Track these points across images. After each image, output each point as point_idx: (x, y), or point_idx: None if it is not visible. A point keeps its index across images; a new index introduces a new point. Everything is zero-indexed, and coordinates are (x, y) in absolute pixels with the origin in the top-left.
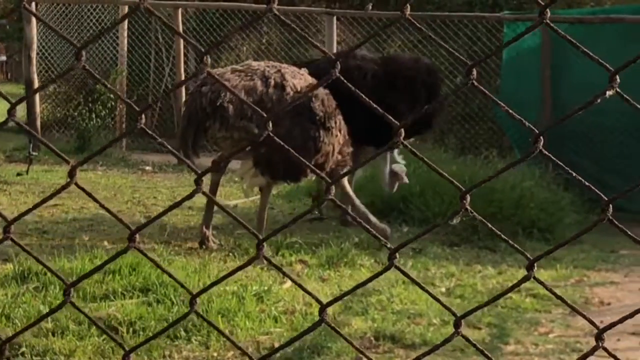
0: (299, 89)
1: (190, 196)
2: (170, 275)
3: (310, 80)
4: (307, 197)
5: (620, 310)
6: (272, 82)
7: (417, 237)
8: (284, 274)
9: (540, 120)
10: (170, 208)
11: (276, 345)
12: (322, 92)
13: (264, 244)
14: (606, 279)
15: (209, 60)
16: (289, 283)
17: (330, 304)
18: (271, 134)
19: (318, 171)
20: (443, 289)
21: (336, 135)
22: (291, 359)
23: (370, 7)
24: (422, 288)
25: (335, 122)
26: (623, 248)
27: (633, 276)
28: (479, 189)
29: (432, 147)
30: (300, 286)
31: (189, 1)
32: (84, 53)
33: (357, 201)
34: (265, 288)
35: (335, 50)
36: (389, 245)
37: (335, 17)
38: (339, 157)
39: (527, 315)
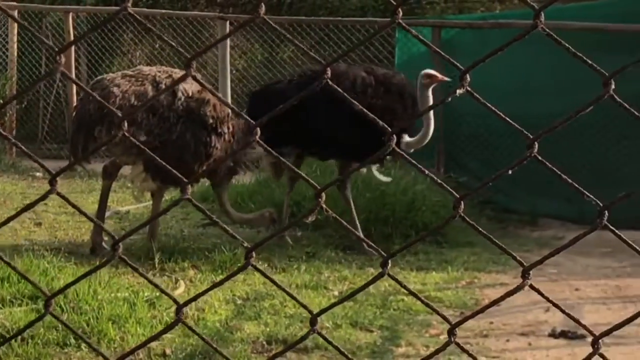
0: (190, 94)
1: (43, 197)
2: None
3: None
4: (201, 202)
5: (509, 311)
6: (163, 87)
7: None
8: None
9: (434, 123)
10: (20, 212)
11: (167, 351)
12: (213, 96)
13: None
14: (496, 281)
15: (63, 59)
16: (181, 288)
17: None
18: (126, 134)
19: (178, 174)
20: (336, 293)
21: (229, 141)
22: None
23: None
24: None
25: (228, 128)
26: (513, 250)
27: None
28: (373, 193)
29: None
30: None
31: (80, 5)
32: None
33: (231, 209)
34: (157, 294)
35: (228, 54)
36: (246, 244)
37: (228, 22)
38: (231, 163)
39: (419, 317)
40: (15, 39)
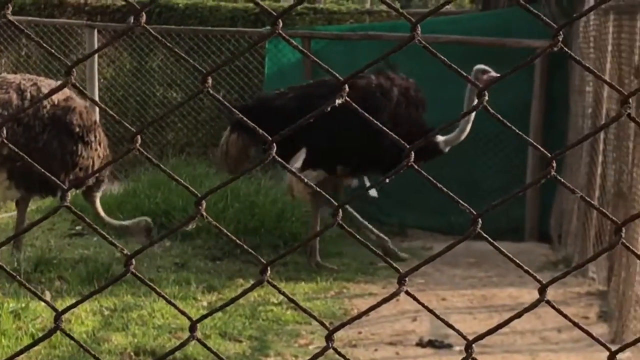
0: (56, 102)
1: None
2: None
3: (69, 93)
4: (66, 212)
5: (377, 321)
6: (28, 96)
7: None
8: (291, 300)
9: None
10: None
11: None
12: (80, 105)
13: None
14: (365, 291)
15: None
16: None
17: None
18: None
19: (55, 178)
20: (205, 303)
21: (96, 149)
22: None
23: (132, 20)
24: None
25: (95, 136)
26: (381, 260)
27: (390, 287)
28: (242, 203)
29: (197, 161)
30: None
31: None
32: None
33: (106, 217)
34: (23, 305)
35: (96, 63)
36: (126, 252)
37: (96, 30)
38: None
39: (288, 328)
40: None
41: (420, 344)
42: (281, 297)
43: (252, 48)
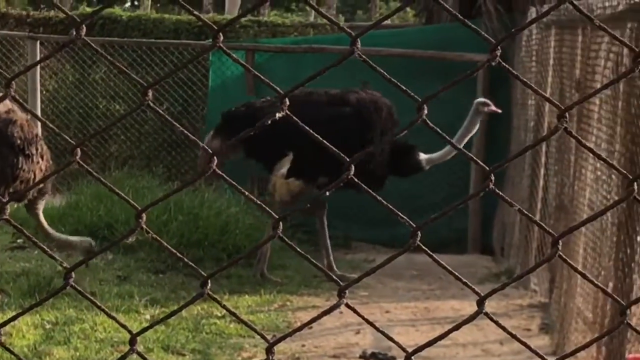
0: None
1: None
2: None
3: (10, 105)
4: (7, 225)
5: (321, 334)
6: None
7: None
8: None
9: None
10: None
11: None
12: (22, 117)
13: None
14: (308, 303)
15: None
16: None
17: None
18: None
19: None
20: (148, 316)
21: (37, 162)
22: None
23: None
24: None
25: (37, 149)
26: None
27: (334, 300)
28: (185, 216)
29: (140, 174)
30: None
31: None
32: None
33: (50, 230)
34: None
35: (38, 75)
36: (65, 265)
37: (38, 42)
38: (42, 184)
39: (231, 341)
40: None
41: (364, 356)
42: (224, 310)
43: (196, 60)
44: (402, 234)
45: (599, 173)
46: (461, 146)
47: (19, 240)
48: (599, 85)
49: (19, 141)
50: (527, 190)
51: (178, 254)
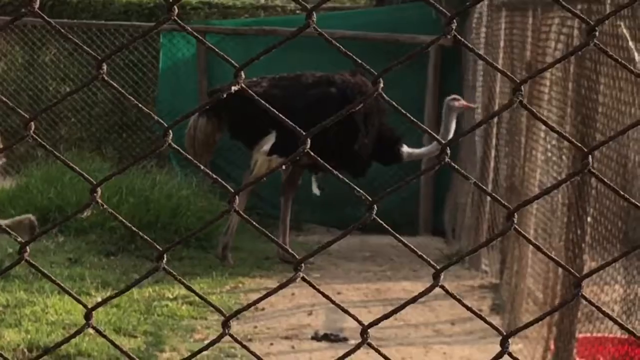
0: None
1: None
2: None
3: None
4: None
5: (273, 315)
6: None
7: None
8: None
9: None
10: None
11: None
12: None
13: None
14: (260, 285)
15: None
16: None
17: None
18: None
19: None
20: (99, 299)
21: None
22: None
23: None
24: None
25: None
26: (276, 256)
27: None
28: (137, 198)
29: (90, 155)
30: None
31: None
32: None
33: None
34: None
35: None
36: (19, 239)
37: None
38: None
39: (183, 323)
40: None
41: (316, 337)
42: (176, 292)
43: (146, 42)
44: (355, 216)
45: (549, 154)
46: (448, 135)
47: None
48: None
49: None
50: (478, 172)
51: (133, 228)
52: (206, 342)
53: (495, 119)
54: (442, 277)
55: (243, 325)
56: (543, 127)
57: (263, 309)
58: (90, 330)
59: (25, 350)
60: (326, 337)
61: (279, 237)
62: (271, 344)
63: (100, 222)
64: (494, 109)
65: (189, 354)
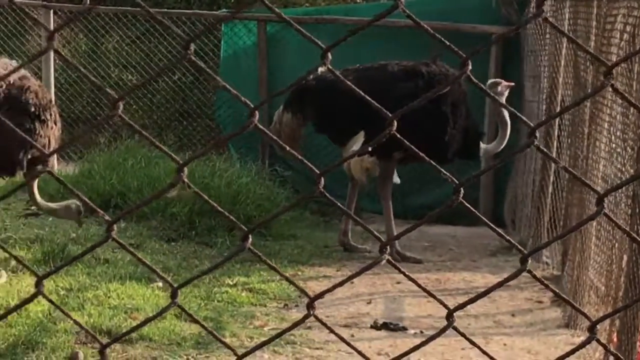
0: (11, 82)
1: None
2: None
3: (23, 72)
4: (22, 192)
5: (332, 303)
6: None
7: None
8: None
9: (260, 119)
10: None
11: None
12: (34, 84)
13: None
14: (319, 273)
15: None
16: (3, 279)
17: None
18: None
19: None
20: (160, 284)
21: (52, 128)
22: (5, 355)
23: (88, 2)
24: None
25: (51, 115)
26: (335, 243)
27: (345, 270)
28: (197, 185)
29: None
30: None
31: None
32: None
33: (39, 199)
34: None
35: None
36: (107, 217)
37: (52, 11)
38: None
39: (243, 309)
40: None
41: (375, 326)
42: (236, 279)
43: (208, 31)
44: (414, 205)
45: (613, 145)
46: (507, 133)
47: (32, 208)
48: (614, 58)
49: (33, 108)
50: (540, 163)
51: (219, 208)
52: (266, 328)
53: (557, 110)
54: (529, 262)
55: (303, 313)
56: (607, 117)
57: (322, 297)
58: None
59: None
60: (385, 326)
61: (341, 224)
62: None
63: (161, 208)
64: (557, 99)
65: (249, 340)
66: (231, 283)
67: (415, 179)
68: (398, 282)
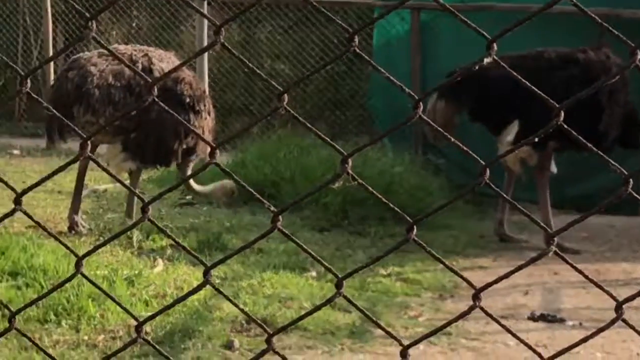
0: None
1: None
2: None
3: (178, 63)
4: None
5: (488, 294)
6: (140, 66)
7: None
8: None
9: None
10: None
11: (148, 329)
12: (189, 75)
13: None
14: (475, 264)
15: (94, 26)
16: (160, 267)
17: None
18: (156, 99)
19: (202, 136)
20: (314, 273)
21: (205, 119)
22: (162, 342)
23: None
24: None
25: (204, 105)
26: (491, 233)
27: (501, 260)
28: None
29: (304, 132)
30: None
31: None
32: None
33: (197, 186)
34: (136, 272)
35: (205, 34)
36: (272, 208)
37: (206, 2)
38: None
39: (397, 299)
40: None
41: (532, 317)
42: (390, 268)
43: (359, 17)
44: (571, 195)
45: None
46: None
47: (187, 197)
48: None
49: (188, 98)
50: None
51: (384, 200)
52: (420, 319)
53: None
54: None
55: (457, 304)
56: None
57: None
58: (306, 304)
59: (243, 322)
60: (543, 318)
61: (497, 214)
62: (486, 322)
63: (314, 198)
64: None
65: (404, 330)
66: (385, 273)
67: (572, 168)
68: (555, 273)
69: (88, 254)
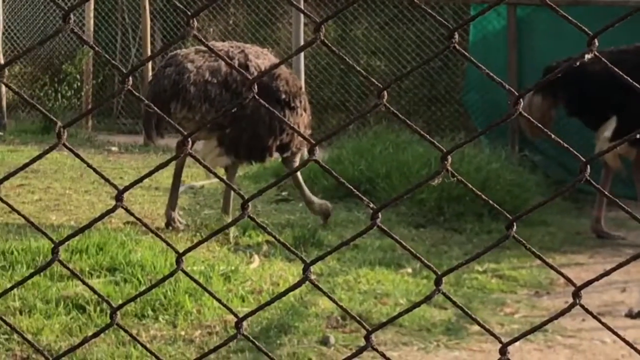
0: (263, 69)
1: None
2: None
3: (274, 60)
4: (274, 178)
5: (585, 291)
6: (236, 63)
7: None
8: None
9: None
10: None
11: (244, 325)
12: (285, 71)
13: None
14: (571, 260)
15: (195, 23)
16: (256, 263)
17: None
18: (256, 97)
19: (302, 133)
20: (409, 270)
21: (301, 115)
22: (258, 337)
23: None
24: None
25: (300, 102)
26: (587, 229)
27: (598, 257)
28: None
29: (399, 128)
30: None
31: None
32: (72, 16)
33: (304, 186)
34: (233, 268)
35: (302, 31)
36: (372, 205)
37: None
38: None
39: (493, 296)
40: (91, 14)
41: (630, 315)
42: (486, 265)
43: (455, 12)
44: None
45: None
46: None
47: (283, 193)
48: None
49: (284, 95)
50: None
51: (484, 198)
52: (516, 316)
53: None
54: None
55: (554, 300)
56: None
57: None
58: (402, 300)
59: (339, 318)
60: None
61: (594, 210)
62: (583, 320)
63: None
64: None
65: (499, 327)
66: (480, 269)
67: None
68: None
69: (188, 250)
